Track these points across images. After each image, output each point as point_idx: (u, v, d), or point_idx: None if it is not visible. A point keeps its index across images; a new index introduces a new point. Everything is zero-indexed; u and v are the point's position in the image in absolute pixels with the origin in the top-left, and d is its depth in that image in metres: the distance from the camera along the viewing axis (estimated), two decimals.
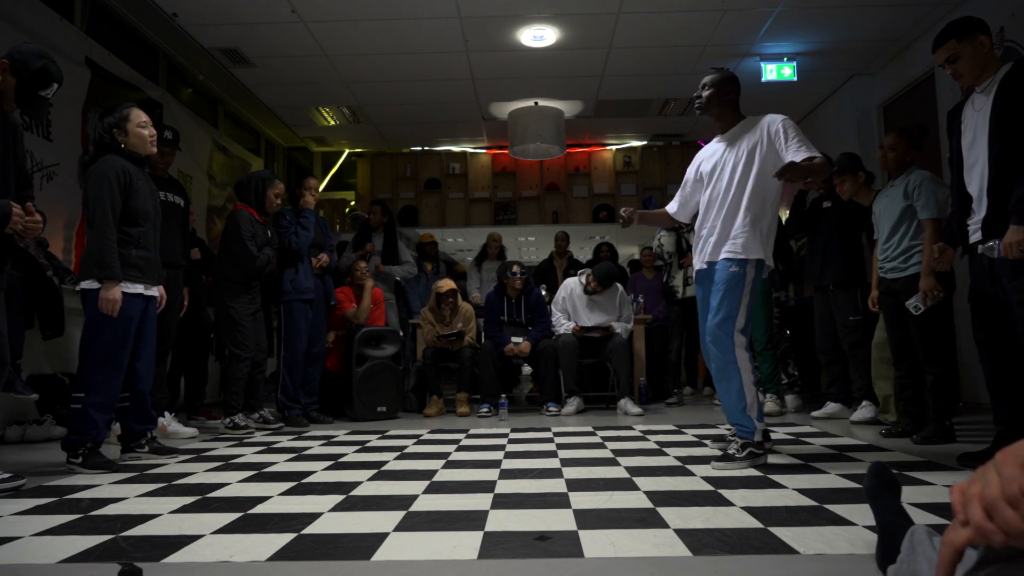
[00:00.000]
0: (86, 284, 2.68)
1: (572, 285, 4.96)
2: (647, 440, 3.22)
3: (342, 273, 4.96)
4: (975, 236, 2.42)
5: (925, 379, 3.38)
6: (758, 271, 2.57)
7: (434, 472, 2.47)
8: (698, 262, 2.72)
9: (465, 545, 1.55)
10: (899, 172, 3.31)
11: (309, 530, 1.71)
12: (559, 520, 1.75)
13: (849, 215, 3.90)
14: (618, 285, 4.98)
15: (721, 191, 2.65)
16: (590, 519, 1.76)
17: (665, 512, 1.81)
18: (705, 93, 2.73)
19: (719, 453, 2.61)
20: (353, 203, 8.66)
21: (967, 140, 2.45)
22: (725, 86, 2.72)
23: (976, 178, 2.40)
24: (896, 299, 3.27)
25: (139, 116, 2.83)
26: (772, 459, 2.61)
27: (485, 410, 4.56)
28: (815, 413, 4.06)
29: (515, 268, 4.84)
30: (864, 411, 3.75)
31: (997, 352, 2.46)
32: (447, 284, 4.83)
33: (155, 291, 2.90)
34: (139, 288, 2.77)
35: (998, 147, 2.28)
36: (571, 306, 4.90)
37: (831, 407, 4.01)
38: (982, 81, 2.39)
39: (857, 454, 2.71)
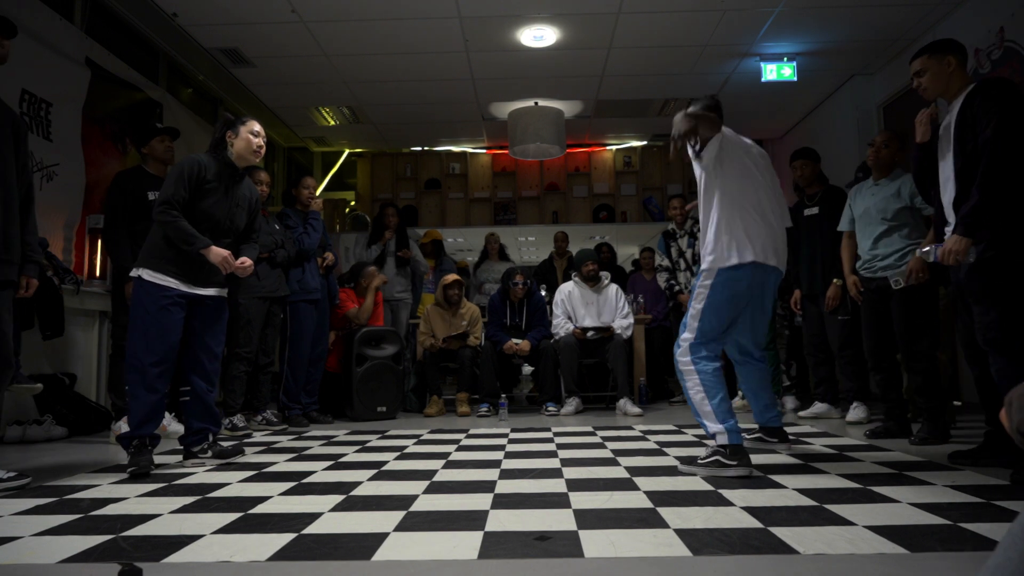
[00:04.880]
0: (133, 273, 2.64)
1: (568, 288, 4.99)
2: (647, 440, 3.22)
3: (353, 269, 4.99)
4: None
5: (903, 380, 3.39)
6: (716, 278, 2.49)
7: (434, 472, 2.48)
8: None
9: (465, 545, 1.55)
10: (886, 172, 3.35)
11: (309, 530, 1.71)
12: (559, 520, 1.75)
13: (834, 221, 3.86)
14: (615, 285, 5.00)
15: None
16: (590, 519, 1.76)
17: (665, 512, 1.81)
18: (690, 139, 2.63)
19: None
20: (353, 203, 8.65)
21: (940, 154, 2.51)
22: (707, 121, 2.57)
23: (947, 192, 2.45)
24: (883, 297, 3.28)
25: (255, 125, 2.81)
26: (772, 459, 2.61)
27: (485, 410, 4.57)
28: (802, 413, 4.11)
29: (517, 278, 4.91)
30: (857, 411, 3.76)
31: (981, 353, 2.45)
32: (452, 276, 4.96)
33: (208, 291, 2.74)
34: (172, 282, 2.64)
35: (960, 162, 2.36)
36: (571, 307, 4.93)
37: (818, 407, 4.06)
38: (950, 98, 2.47)
39: (856, 454, 2.71)
